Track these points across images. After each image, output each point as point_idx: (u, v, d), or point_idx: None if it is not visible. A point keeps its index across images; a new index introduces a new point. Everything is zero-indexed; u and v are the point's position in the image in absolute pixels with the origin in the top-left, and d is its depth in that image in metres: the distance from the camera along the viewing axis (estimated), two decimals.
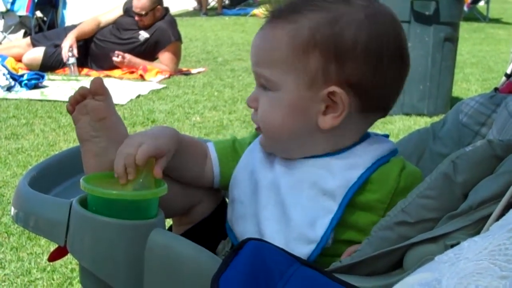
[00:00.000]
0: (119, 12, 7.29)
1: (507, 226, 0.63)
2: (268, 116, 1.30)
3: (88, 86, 1.32)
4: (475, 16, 14.30)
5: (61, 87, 6.29)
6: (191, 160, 1.37)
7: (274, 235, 1.26)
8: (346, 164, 1.29)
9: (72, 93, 1.35)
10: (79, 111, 1.34)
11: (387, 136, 1.40)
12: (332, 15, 1.25)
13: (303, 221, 1.27)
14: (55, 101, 5.74)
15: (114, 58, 6.96)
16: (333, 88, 1.24)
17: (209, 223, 1.43)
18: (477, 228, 1.13)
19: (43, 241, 3.05)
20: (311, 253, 1.25)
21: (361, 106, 1.28)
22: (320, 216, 1.26)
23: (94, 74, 7.00)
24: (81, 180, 1.21)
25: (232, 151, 1.41)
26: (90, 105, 1.32)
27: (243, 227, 1.33)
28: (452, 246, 1.13)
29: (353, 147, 1.31)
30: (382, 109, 1.33)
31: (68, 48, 6.96)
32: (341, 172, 1.27)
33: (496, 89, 1.67)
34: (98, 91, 1.33)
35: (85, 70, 7.12)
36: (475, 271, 0.59)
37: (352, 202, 1.27)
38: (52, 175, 1.48)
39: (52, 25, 8.93)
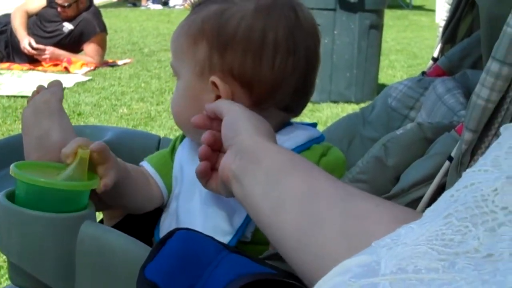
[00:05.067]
0: (42, 2, 7.15)
1: (442, 212, 0.63)
2: (172, 103, 1.35)
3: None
4: (398, 4, 14.53)
5: None
6: (137, 185, 1.34)
7: (191, 226, 1.26)
8: None
9: None
10: (27, 102, 1.40)
11: (314, 125, 1.40)
12: (225, 7, 1.28)
13: (220, 214, 1.27)
14: None
15: (27, 50, 6.84)
16: (213, 77, 1.26)
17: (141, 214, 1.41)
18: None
19: None
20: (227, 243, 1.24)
21: (250, 98, 1.26)
22: (238, 209, 1.26)
23: (17, 67, 6.86)
24: (11, 166, 1.18)
25: (169, 158, 1.39)
26: (37, 95, 1.39)
27: (168, 224, 1.32)
28: None
29: None
30: (281, 106, 1.29)
31: (28, 44, 6.84)
32: None
33: (423, 73, 1.69)
34: (52, 83, 1.42)
35: (8, 64, 6.97)
36: (414, 254, 0.59)
37: None
38: None
39: None
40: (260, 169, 1.00)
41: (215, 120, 1.16)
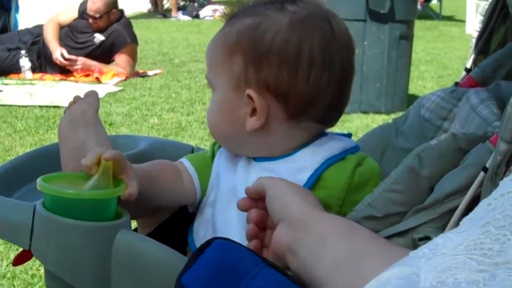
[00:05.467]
0: (74, 14, 7.21)
1: (480, 221, 0.63)
2: (207, 115, 1.35)
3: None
4: (428, 14, 14.47)
5: (16, 91, 6.20)
6: (163, 185, 1.35)
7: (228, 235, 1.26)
8: (295, 168, 1.29)
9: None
10: (64, 112, 1.42)
11: (349, 135, 1.40)
12: (259, 20, 1.28)
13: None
14: (10, 105, 5.64)
15: (59, 61, 6.91)
16: (249, 91, 1.26)
17: (175, 221, 1.42)
18: (443, 221, 1.14)
19: (2, 247, 3.01)
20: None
21: (286, 111, 1.27)
22: None
23: (49, 77, 6.93)
24: (38, 180, 1.19)
25: (210, 162, 1.40)
26: (74, 105, 1.41)
27: (203, 231, 1.33)
28: (420, 239, 1.14)
29: (301, 149, 1.31)
30: (317, 119, 1.30)
31: (60, 55, 6.91)
32: (289, 176, 1.26)
33: (456, 84, 1.68)
34: (88, 94, 1.44)
35: (40, 74, 7.04)
36: (453, 265, 0.59)
37: None
38: (14, 178, 1.45)
39: (4, 29, 8.80)
40: (314, 237, 1.01)
41: (259, 201, 1.17)
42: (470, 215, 0.67)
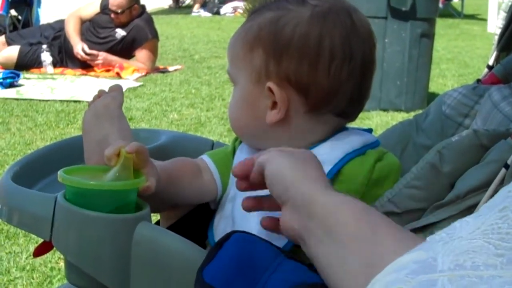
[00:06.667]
0: (96, 8, 7.25)
1: (497, 206, 0.63)
2: (229, 109, 1.36)
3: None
4: (449, 13, 14.41)
5: (36, 85, 6.25)
6: (184, 182, 1.35)
7: (247, 229, 1.27)
8: None
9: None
10: (89, 105, 1.42)
11: (370, 130, 1.40)
12: (280, 14, 1.28)
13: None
14: (31, 99, 5.69)
15: (80, 55, 6.95)
16: (269, 84, 1.26)
17: (196, 215, 1.43)
18: (464, 217, 1.14)
19: (21, 240, 3.03)
20: (282, 247, 1.24)
21: (306, 105, 1.27)
22: None
23: (70, 72, 6.97)
24: (59, 172, 1.20)
25: (231, 158, 1.40)
26: (98, 99, 1.42)
27: (223, 226, 1.33)
28: None
29: (321, 143, 1.31)
30: (337, 112, 1.29)
31: (82, 49, 6.96)
32: None
33: (478, 81, 1.68)
34: (112, 88, 1.44)
35: (61, 69, 7.08)
36: (470, 249, 0.59)
37: None
38: (36, 170, 1.46)
39: (26, 23, 8.88)
40: (319, 226, 0.96)
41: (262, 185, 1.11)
42: (489, 202, 0.67)
